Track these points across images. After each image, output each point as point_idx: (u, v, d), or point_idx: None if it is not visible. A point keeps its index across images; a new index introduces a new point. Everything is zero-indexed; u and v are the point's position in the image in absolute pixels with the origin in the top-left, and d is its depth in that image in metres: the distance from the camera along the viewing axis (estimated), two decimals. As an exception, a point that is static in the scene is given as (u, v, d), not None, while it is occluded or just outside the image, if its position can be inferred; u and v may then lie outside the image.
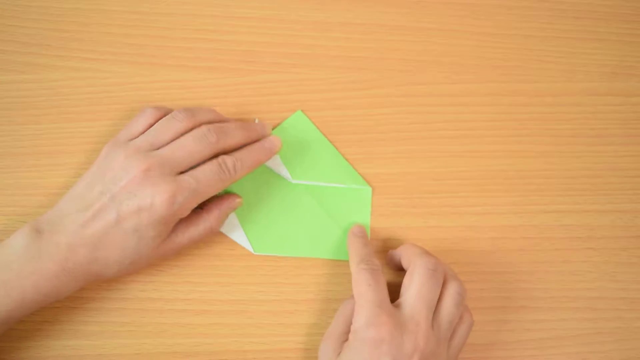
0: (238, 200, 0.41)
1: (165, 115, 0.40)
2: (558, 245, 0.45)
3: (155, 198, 0.35)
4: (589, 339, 0.43)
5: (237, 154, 0.39)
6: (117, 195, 0.36)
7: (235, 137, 0.40)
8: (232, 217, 0.43)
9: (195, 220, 0.39)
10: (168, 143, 0.38)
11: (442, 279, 0.38)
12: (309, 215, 0.43)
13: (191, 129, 0.39)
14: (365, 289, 0.37)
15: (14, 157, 0.43)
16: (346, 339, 0.37)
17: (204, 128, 0.39)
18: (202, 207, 0.40)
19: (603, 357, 0.42)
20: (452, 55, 0.49)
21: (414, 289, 0.37)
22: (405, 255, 0.40)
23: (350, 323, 0.37)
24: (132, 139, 0.39)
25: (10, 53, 0.46)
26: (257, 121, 0.43)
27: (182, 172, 0.37)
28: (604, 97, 0.49)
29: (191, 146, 0.38)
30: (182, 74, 0.46)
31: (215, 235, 0.42)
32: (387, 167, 0.45)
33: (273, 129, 0.45)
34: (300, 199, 0.43)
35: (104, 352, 0.40)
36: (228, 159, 0.38)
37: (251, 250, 0.42)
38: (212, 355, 0.40)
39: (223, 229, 0.42)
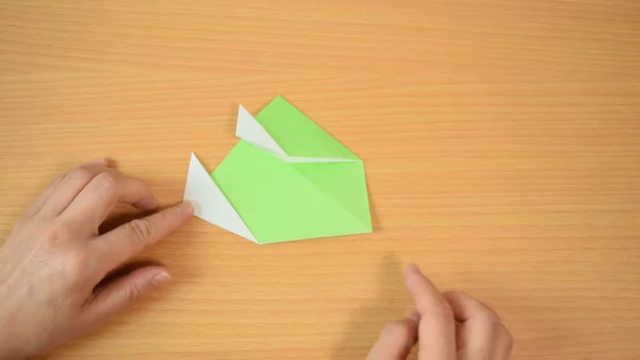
0: (164, 274, 0.40)
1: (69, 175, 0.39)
2: (558, 245, 0.45)
3: (66, 264, 0.34)
4: (589, 339, 0.43)
5: (150, 218, 0.39)
6: (28, 267, 0.35)
7: (132, 184, 0.39)
8: (230, 211, 0.43)
9: (117, 285, 0.38)
10: (70, 203, 0.37)
11: (501, 333, 0.36)
12: (307, 196, 0.43)
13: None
14: (441, 340, 0.34)
15: (14, 157, 0.43)
16: None
17: (98, 176, 0.38)
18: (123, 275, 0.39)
19: (603, 357, 0.42)
20: (452, 55, 0.49)
21: (476, 345, 0.34)
22: (461, 305, 0.37)
23: (399, 356, 0.35)
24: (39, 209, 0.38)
25: (10, 53, 0.46)
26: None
27: (94, 233, 0.37)
28: (604, 97, 0.49)
29: (89, 199, 0.37)
30: (182, 74, 0.46)
31: (215, 235, 0.42)
32: (387, 167, 0.45)
33: (255, 116, 0.45)
34: (296, 181, 0.43)
35: (104, 352, 0.40)
36: (141, 223, 0.38)
37: (255, 241, 0.42)
38: (212, 355, 0.40)
39: (223, 224, 0.42)
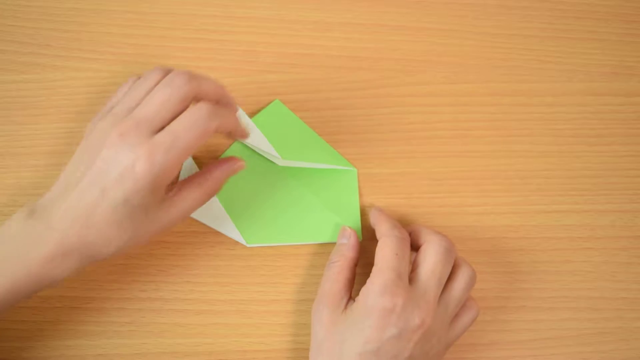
0: (240, 163, 0.39)
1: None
2: (558, 245, 0.45)
3: (135, 163, 0.33)
4: (589, 339, 0.43)
5: (215, 106, 0.36)
6: (98, 168, 0.33)
7: (208, 82, 0.36)
8: (221, 211, 0.42)
9: (196, 182, 0.37)
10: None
11: (453, 259, 0.38)
12: (298, 201, 0.43)
13: None
14: (391, 257, 0.36)
15: (14, 157, 0.43)
16: (346, 298, 0.37)
17: (170, 74, 0.35)
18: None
19: (604, 357, 0.42)
20: (452, 55, 0.49)
21: (428, 265, 0.37)
22: (418, 233, 0.40)
23: (346, 284, 0.38)
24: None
25: (10, 53, 0.46)
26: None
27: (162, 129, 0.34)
28: (604, 97, 0.49)
29: (159, 96, 0.34)
30: (182, 74, 0.46)
31: (215, 235, 0.42)
32: (387, 167, 0.45)
33: (252, 118, 0.45)
34: (288, 185, 0.43)
35: (104, 352, 0.40)
36: (204, 105, 0.34)
37: (244, 242, 0.42)
38: (212, 355, 0.40)
39: (213, 224, 0.42)
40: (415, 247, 0.39)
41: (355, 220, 0.43)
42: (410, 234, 0.40)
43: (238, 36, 0.48)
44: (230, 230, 0.42)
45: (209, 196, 0.37)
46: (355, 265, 0.40)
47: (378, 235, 0.39)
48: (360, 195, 0.44)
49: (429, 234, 0.39)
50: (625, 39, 0.50)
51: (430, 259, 0.37)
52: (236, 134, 0.38)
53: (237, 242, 0.43)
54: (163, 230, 0.36)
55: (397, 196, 0.45)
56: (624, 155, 0.47)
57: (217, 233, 0.43)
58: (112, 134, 0.33)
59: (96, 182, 0.33)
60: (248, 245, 0.42)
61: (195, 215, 0.42)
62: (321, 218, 0.43)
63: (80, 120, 0.45)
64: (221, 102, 0.37)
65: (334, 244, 0.42)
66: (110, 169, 0.33)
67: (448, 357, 0.42)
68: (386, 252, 0.37)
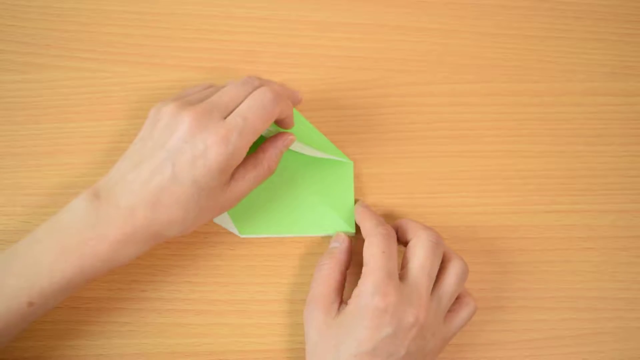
0: (291, 137, 0.39)
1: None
2: (558, 245, 0.45)
3: (208, 144, 0.34)
4: (589, 339, 0.43)
5: (278, 90, 0.37)
6: (170, 148, 0.34)
7: (290, 108, 0.38)
8: None
9: (252, 163, 0.38)
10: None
11: (442, 253, 0.38)
12: (293, 193, 0.43)
13: None
14: (379, 256, 0.36)
15: (14, 157, 0.43)
16: (338, 301, 0.37)
17: (246, 77, 0.38)
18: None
19: (603, 357, 0.42)
20: (452, 55, 0.49)
21: (418, 261, 0.37)
22: (406, 228, 0.40)
23: (336, 286, 0.38)
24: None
25: (10, 53, 0.46)
26: None
27: None
28: (604, 97, 0.49)
29: (235, 90, 0.36)
30: (182, 74, 0.46)
31: (215, 236, 0.42)
32: (387, 167, 0.45)
33: None
34: (283, 176, 0.43)
35: (104, 352, 0.40)
36: (267, 89, 0.36)
37: (237, 233, 0.42)
38: (212, 355, 0.40)
39: None
40: (402, 242, 0.40)
41: (349, 212, 0.43)
42: (397, 229, 0.40)
43: (238, 36, 0.48)
44: (224, 221, 0.42)
45: (265, 176, 0.38)
46: (347, 268, 0.40)
47: (364, 234, 0.39)
48: (361, 195, 0.44)
49: (417, 228, 0.39)
50: (625, 39, 0.50)
51: (419, 255, 0.37)
52: (287, 121, 0.39)
53: (237, 242, 0.43)
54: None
55: (397, 196, 0.45)
56: (624, 155, 0.47)
57: (218, 233, 0.43)
58: (186, 117, 0.34)
59: (167, 163, 0.34)
60: (241, 236, 0.42)
61: (263, 232, 0.43)
62: (316, 210, 0.43)
63: (80, 120, 0.45)
64: (286, 120, 0.39)
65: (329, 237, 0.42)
66: (184, 151, 0.34)
67: (448, 357, 0.42)
68: (374, 251, 0.37)
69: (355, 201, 0.44)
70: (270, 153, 0.39)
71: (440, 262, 0.38)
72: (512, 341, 0.42)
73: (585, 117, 0.48)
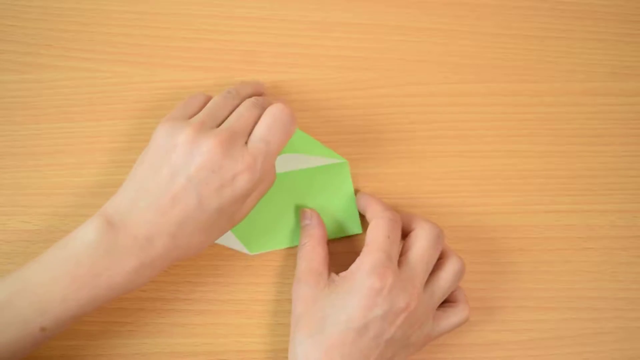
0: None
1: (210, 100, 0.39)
2: (558, 245, 0.45)
3: (235, 172, 0.34)
4: (589, 339, 0.43)
5: (290, 108, 0.37)
6: (195, 176, 0.33)
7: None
8: None
9: None
10: (227, 118, 0.37)
11: (442, 247, 0.39)
12: (295, 202, 0.43)
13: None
14: (383, 239, 0.37)
15: (14, 157, 0.43)
16: (325, 274, 0.37)
17: (252, 99, 0.38)
18: None
19: (603, 357, 0.42)
20: (452, 55, 0.49)
21: (418, 251, 0.37)
22: (409, 219, 0.40)
23: (321, 261, 0.38)
24: (189, 118, 0.37)
25: (10, 53, 0.46)
26: None
27: None
28: (604, 97, 0.49)
29: (247, 114, 0.36)
30: (182, 74, 0.46)
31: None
32: (387, 167, 0.45)
33: None
34: (283, 188, 0.43)
35: (104, 352, 0.40)
36: (284, 107, 0.36)
37: (246, 252, 0.42)
38: (212, 355, 0.40)
39: None
40: (405, 233, 0.40)
41: (352, 212, 0.43)
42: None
43: (238, 36, 0.48)
44: (232, 242, 0.42)
45: (268, 186, 0.38)
46: (326, 242, 0.40)
47: (369, 217, 0.39)
48: (360, 195, 0.44)
49: (420, 220, 0.39)
50: (625, 39, 0.50)
51: (420, 244, 0.38)
52: None
53: (237, 242, 0.43)
54: (232, 227, 0.38)
55: (397, 196, 0.45)
56: (624, 155, 0.47)
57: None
58: (210, 144, 0.33)
59: (192, 193, 0.33)
60: (251, 254, 0.42)
61: (273, 246, 0.43)
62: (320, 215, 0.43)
63: (80, 120, 0.45)
64: None
65: (334, 240, 0.42)
66: (210, 181, 0.33)
67: (448, 358, 0.42)
68: (378, 234, 0.37)
69: (356, 192, 0.44)
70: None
71: (438, 255, 0.38)
72: (512, 341, 0.42)
73: (585, 117, 0.48)
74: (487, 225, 0.45)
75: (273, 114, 0.36)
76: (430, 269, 0.38)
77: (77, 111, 0.45)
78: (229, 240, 0.42)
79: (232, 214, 0.36)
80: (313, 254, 0.39)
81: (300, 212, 0.42)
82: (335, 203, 0.43)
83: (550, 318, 0.43)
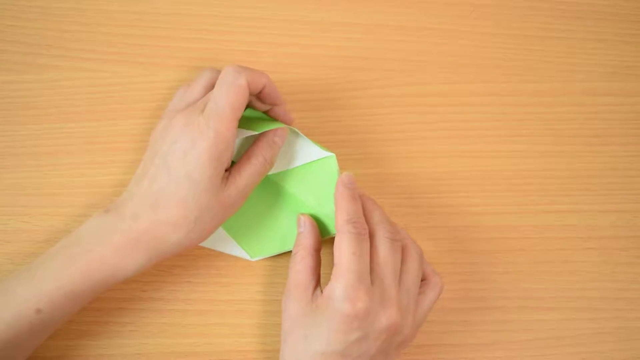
0: (282, 128, 0.40)
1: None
2: (558, 245, 0.45)
3: (193, 137, 0.35)
4: (589, 339, 0.43)
5: (240, 65, 0.38)
6: (163, 153, 0.36)
7: (261, 78, 0.38)
8: (220, 231, 0.42)
9: (245, 157, 0.38)
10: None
11: (401, 244, 0.38)
12: (290, 205, 0.42)
13: None
14: (348, 258, 0.35)
15: (14, 157, 0.43)
16: (313, 286, 0.37)
17: (227, 69, 0.37)
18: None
19: (603, 357, 0.42)
20: (452, 55, 0.49)
21: (380, 259, 0.36)
22: (366, 215, 0.39)
23: (309, 273, 0.37)
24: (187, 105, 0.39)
25: (10, 53, 0.46)
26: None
27: None
28: (604, 97, 0.49)
29: (203, 83, 0.39)
30: (182, 74, 0.46)
31: (215, 235, 0.42)
32: (387, 167, 0.45)
33: None
34: (277, 192, 0.42)
35: (104, 352, 0.40)
36: (228, 66, 0.37)
37: (248, 258, 0.42)
38: (212, 355, 0.40)
39: (215, 246, 0.42)
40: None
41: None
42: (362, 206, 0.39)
43: (238, 36, 0.48)
44: (233, 248, 0.42)
45: (262, 169, 0.38)
46: (318, 250, 0.39)
47: (336, 226, 0.38)
48: (360, 195, 0.44)
49: (372, 223, 0.38)
50: (625, 39, 0.50)
51: (381, 253, 0.37)
52: (269, 93, 0.39)
53: (237, 242, 0.43)
54: (227, 212, 0.37)
55: (397, 196, 0.45)
56: (624, 155, 0.47)
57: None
58: (174, 122, 0.36)
59: (163, 166, 0.36)
60: (253, 260, 0.42)
61: (273, 251, 0.43)
62: (315, 215, 0.42)
63: (80, 120, 0.45)
64: (267, 89, 0.39)
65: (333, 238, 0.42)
66: (174, 150, 0.35)
67: (448, 358, 0.42)
68: (343, 251, 0.36)
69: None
70: (263, 145, 0.39)
71: (401, 254, 0.38)
72: (512, 341, 0.42)
73: (585, 117, 0.48)
74: (487, 225, 0.45)
75: (220, 77, 0.37)
76: (398, 270, 0.37)
77: (77, 111, 0.45)
78: (230, 247, 0.42)
79: (209, 186, 0.35)
80: (301, 265, 0.38)
81: (297, 218, 0.41)
82: (328, 200, 0.41)
83: (550, 318, 0.43)
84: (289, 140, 0.42)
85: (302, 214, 0.41)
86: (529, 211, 0.45)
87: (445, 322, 0.42)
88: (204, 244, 0.42)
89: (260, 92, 0.39)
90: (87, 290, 0.35)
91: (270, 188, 0.43)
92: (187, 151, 0.35)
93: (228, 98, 0.36)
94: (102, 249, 0.35)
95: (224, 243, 0.42)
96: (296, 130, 0.41)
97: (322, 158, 0.42)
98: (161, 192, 0.35)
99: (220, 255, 0.42)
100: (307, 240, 0.39)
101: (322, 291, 0.36)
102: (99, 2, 0.47)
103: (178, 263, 0.42)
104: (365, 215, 0.39)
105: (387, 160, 0.46)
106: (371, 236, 0.37)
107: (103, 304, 0.41)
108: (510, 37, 0.49)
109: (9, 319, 0.33)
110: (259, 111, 0.42)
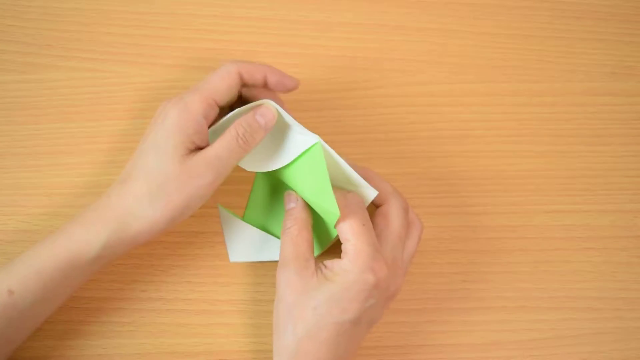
0: (265, 105, 0.38)
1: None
2: (558, 245, 0.45)
3: (169, 109, 0.36)
4: (589, 339, 0.43)
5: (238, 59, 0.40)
6: (147, 132, 0.37)
7: (260, 68, 0.38)
8: (267, 238, 0.42)
9: (223, 131, 0.37)
10: None
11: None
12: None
13: None
14: (361, 230, 0.35)
15: (14, 157, 0.43)
16: (312, 260, 0.36)
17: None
18: None
19: (603, 357, 0.42)
20: (452, 55, 0.49)
21: (395, 230, 0.37)
22: (378, 189, 0.39)
23: (307, 246, 0.37)
24: None
25: (10, 53, 0.46)
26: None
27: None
28: (604, 97, 0.49)
29: (206, 78, 0.38)
30: (182, 74, 0.46)
31: (215, 235, 0.42)
32: (387, 167, 0.45)
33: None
34: (276, 189, 0.42)
35: (104, 352, 0.40)
36: (227, 61, 0.38)
37: (276, 258, 0.41)
38: (212, 355, 0.40)
39: (273, 256, 0.42)
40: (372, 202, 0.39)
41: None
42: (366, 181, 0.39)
43: (238, 36, 0.48)
44: (270, 254, 0.42)
45: (236, 145, 0.37)
46: (311, 226, 0.39)
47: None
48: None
49: (386, 193, 0.39)
50: (625, 39, 0.50)
51: (396, 225, 0.38)
52: (282, 82, 0.39)
53: (237, 242, 0.43)
54: (194, 183, 0.35)
55: (397, 196, 0.45)
56: (624, 155, 0.47)
57: (218, 233, 0.43)
58: (162, 105, 0.37)
59: (142, 143, 0.37)
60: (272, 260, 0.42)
61: (252, 257, 0.42)
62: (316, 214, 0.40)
63: (80, 120, 0.45)
64: (273, 77, 0.39)
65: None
66: (149, 128, 0.37)
67: (448, 358, 0.42)
68: (353, 225, 0.36)
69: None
70: (240, 121, 0.37)
71: (412, 231, 0.39)
72: (512, 341, 0.42)
73: (585, 117, 0.48)
74: (487, 225, 0.45)
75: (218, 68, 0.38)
76: (404, 237, 0.38)
77: (77, 111, 0.45)
78: (268, 253, 0.42)
79: (173, 154, 0.35)
80: (299, 238, 0.37)
81: (285, 195, 0.40)
82: (314, 193, 0.38)
83: (550, 318, 0.43)
84: (278, 132, 0.40)
85: (291, 191, 0.40)
86: (529, 211, 0.45)
87: (445, 322, 0.42)
88: (261, 258, 0.42)
89: (266, 84, 0.39)
90: (55, 270, 0.34)
91: (283, 187, 0.42)
92: (159, 123, 0.36)
93: (210, 79, 0.37)
94: (71, 226, 0.35)
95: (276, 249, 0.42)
96: (283, 114, 0.38)
97: (308, 149, 0.38)
98: (132, 166, 0.36)
99: (220, 255, 0.42)
100: (302, 213, 0.38)
101: (323, 264, 0.36)
102: (98, 2, 0.47)
103: (178, 263, 0.42)
104: (376, 186, 0.39)
105: (387, 160, 0.46)
106: (384, 204, 0.38)
107: (103, 304, 0.41)
108: (510, 37, 0.50)
109: None
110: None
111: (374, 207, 0.39)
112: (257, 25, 0.48)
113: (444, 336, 0.42)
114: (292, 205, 0.39)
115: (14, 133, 0.44)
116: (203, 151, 0.36)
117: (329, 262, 0.36)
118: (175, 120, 0.36)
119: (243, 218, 0.43)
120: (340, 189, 0.39)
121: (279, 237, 0.42)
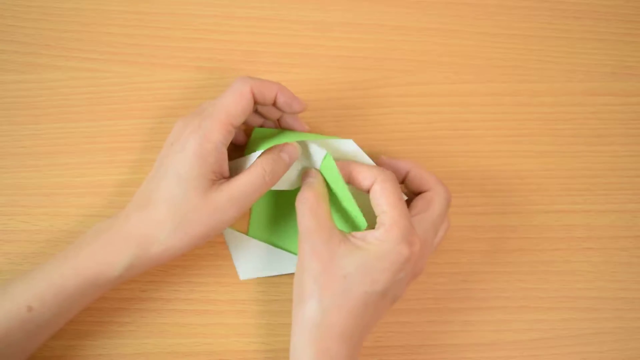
0: (291, 145, 0.39)
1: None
2: (558, 245, 0.45)
3: (188, 136, 0.36)
4: (589, 339, 0.43)
5: (250, 76, 0.39)
6: (162, 156, 0.37)
7: (271, 87, 0.38)
8: (282, 254, 0.42)
9: (246, 167, 0.37)
10: None
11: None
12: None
13: None
14: (398, 203, 0.36)
15: (14, 157, 0.43)
16: (336, 230, 0.36)
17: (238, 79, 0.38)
18: None
19: (603, 357, 0.42)
20: (452, 55, 0.49)
21: (434, 215, 0.38)
22: (420, 178, 0.40)
23: (328, 216, 0.36)
24: None
25: (10, 53, 0.46)
26: None
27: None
28: (604, 97, 0.49)
29: (221, 97, 0.38)
30: (182, 74, 0.46)
31: (216, 236, 0.42)
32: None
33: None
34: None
35: (104, 352, 0.40)
36: (238, 78, 0.38)
37: (287, 272, 0.42)
38: (212, 355, 0.40)
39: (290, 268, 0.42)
40: (415, 188, 0.40)
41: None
42: (406, 174, 0.41)
43: (238, 36, 0.48)
44: (284, 268, 0.42)
45: (261, 182, 0.37)
46: (328, 202, 0.38)
47: (369, 180, 0.37)
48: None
49: (434, 182, 0.39)
50: (625, 39, 0.50)
51: (437, 211, 0.38)
52: (289, 103, 0.39)
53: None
54: (216, 216, 0.36)
55: (397, 196, 0.45)
56: (624, 155, 0.47)
57: (220, 234, 0.42)
58: (175, 127, 0.38)
59: (159, 167, 0.37)
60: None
61: (262, 273, 0.42)
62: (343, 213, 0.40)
63: (80, 120, 0.45)
64: (283, 97, 0.39)
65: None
66: (169, 153, 0.37)
67: (448, 358, 0.42)
68: (392, 199, 0.36)
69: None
70: (265, 156, 0.37)
71: (443, 226, 0.39)
72: (512, 341, 0.42)
73: (585, 117, 0.48)
74: (487, 225, 0.45)
75: (232, 88, 0.38)
76: (437, 229, 0.39)
77: (77, 111, 0.45)
78: (284, 264, 0.42)
79: (196, 185, 0.35)
80: (319, 209, 0.37)
81: (305, 173, 0.40)
82: (339, 203, 0.40)
83: (550, 318, 0.43)
84: (305, 154, 0.41)
85: (311, 169, 0.40)
86: (529, 211, 0.45)
87: (445, 322, 0.42)
88: (278, 271, 0.42)
89: (275, 102, 0.39)
90: (76, 289, 0.35)
91: (285, 198, 0.42)
92: (179, 151, 0.36)
93: (225, 102, 0.37)
94: (92, 247, 0.35)
95: (290, 261, 0.42)
96: (313, 137, 0.40)
97: (322, 160, 0.40)
98: (153, 191, 0.36)
99: (220, 255, 0.42)
100: (321, 187, 0.38)
101: (351, 234, 0.36)
102: (98, 2, 0.47)
103: (178, 263, 0.42)
104: (420, 179, 0.40)
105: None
106: (431, 195, 0.39)
107: (103, 304, 0.41)
108: (510, 37, 0.50)
109: (1, 316, 0.34)
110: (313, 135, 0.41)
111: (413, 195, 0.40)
112: (257, 25, 0.48)
113: (444, 336, 0.42)
114: (311, 179, 0.39)
115: (14, 133, 0.44)
116: (228, 186, 0.36)
117: (358, 233, 0.36)
118: (197, 150, 0.35)
119: (248, 233, 0.43)
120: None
121: (287, 250, 0.42)
